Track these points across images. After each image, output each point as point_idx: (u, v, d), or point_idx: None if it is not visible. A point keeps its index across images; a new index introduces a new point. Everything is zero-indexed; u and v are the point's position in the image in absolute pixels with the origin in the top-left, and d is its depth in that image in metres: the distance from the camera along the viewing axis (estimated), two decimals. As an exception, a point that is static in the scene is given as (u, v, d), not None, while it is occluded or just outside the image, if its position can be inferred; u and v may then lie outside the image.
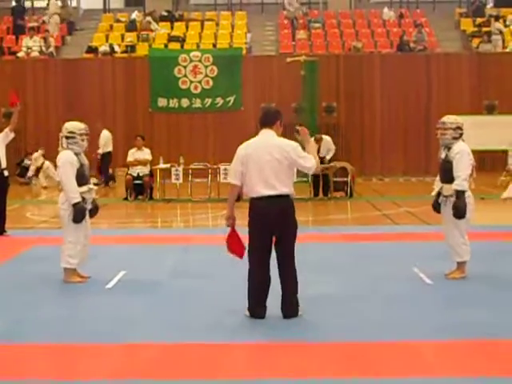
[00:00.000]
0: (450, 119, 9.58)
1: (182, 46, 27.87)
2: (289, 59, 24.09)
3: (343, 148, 24.52)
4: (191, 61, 26.09)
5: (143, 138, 20.14)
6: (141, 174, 19.43)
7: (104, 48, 27.34)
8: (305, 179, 18.92)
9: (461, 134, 9.52)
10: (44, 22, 29.17)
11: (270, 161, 7.61)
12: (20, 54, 27.41)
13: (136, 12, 29.86)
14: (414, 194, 19.70)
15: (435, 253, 10.71)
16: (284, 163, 7.63)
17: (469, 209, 9.40)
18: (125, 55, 27.46)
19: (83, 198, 9.43)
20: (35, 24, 28.87)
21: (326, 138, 20.35)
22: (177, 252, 11.96)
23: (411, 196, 19.49)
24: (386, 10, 29.87)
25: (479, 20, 28.91)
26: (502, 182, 20.86)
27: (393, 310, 8.14)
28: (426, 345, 6.87)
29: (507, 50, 27.12)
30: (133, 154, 19.76)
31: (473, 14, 29.50)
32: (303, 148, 7.92)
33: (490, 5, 31.19)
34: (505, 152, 22.91)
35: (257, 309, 7.73)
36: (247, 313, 7.78)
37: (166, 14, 29.81)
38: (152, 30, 28.66)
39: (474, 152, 10.12)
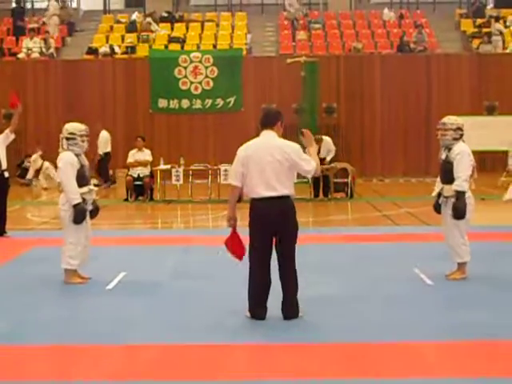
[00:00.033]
0: (450, 120, 9.58)
1: (182, 47, 27.86)
2: (289, 60, 24.09)
3: (343, 149, 24.49)
4: (191, 62, 26.08)
5: (143, 139, 20.13)
6: (141, 175, 19.42)
7: (104, 49, 27.33)
8: (305, 180, 18.85)
9: (461, 135, 9.52)
10: (44, 23, 29.14)
11: (271, 162, 7.60)
12: (20, 55, 27.40)
13: (136, 13, 29.83)
14: (415, 195, 19.69)
15: (436, 253, 10.72)
16: (285, 164, 7.62)
17: (469, 209, 9.41)
18: (125, 56, 27.44)
19: (84, 199, 9.44)
20: (35, 25, 28.84)
21: (327, 139, 20.35)
22: (177, 253, 11.96)
23: (411, 197, 19.48)
24: (386, 10, 29.85)
25: (479, 21, 28.88)
26: (502, 182, 20.84)
27: (393, 311, 8.14)
28: (427, 345, 6.87)
29: (507, 51, 27.10)
30: (133, 155, 19.76)
31: (473, 15, 29.48)
32: (305, 150, 7.92)
33: (490, 5, 31.19)
34: (505, 153, 22.86)
35: (257, 310, 7.72)
36: (248, 314, 7.78)
37: (166, 14, 29.79)
38: (152, 31, 28.65)
39: (475, 153, 10.13)
